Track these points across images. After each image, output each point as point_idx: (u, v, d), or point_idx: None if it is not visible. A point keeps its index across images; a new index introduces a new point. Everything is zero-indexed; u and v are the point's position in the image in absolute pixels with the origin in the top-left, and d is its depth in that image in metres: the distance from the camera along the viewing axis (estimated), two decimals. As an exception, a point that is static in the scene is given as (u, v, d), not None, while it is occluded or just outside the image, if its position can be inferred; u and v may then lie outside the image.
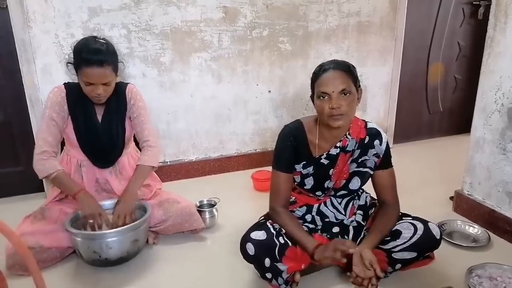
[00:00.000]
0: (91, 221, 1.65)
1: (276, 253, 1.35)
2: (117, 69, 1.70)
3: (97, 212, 1.65)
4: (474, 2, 3.07)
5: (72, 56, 1.64)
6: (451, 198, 2.14)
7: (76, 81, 1.69)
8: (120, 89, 1.78)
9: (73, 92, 1.71)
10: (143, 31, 2.30)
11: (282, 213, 1.49)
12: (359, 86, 1.44)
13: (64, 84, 1.74)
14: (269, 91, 2.70)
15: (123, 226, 1.60)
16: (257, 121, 2.74)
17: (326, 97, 1.37)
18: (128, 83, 1.85)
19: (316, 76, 1.42)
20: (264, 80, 2.66)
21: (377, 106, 3.08)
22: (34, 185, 2.31)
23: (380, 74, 2.99)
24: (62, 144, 1.89)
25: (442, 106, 3.32)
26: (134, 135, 1.91)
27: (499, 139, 1.82)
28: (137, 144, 1.98)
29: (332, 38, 2.75)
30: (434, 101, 3.29)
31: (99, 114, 1.76)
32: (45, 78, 2.18)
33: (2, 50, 2.14)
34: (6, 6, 2.05)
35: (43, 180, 2.21)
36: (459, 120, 3.38)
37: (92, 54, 1.57)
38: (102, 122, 1.76)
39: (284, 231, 1.45)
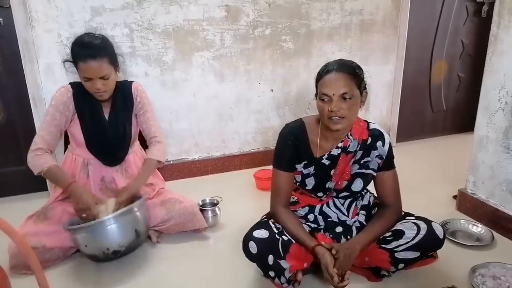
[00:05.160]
0: (84, 215, 1.62)
1: (280, 250, 1.34)
2: (116, 63, 1.71)
3: (91, 204, 1.61)
4: (477, 0, 3.05)
5: (70, 56, 1.66)
6: (455, 197, 2.13)
7: (78, 79, 1.69)
8: (125, 87, 1.81)
9: (80, 91, 1.73)
10: (146, 30, 2.30)
11: (283, 214, 1.48)
12: (364, 88, 1.41)
13: (70, 83, 1.76)
14: (272, 90, 2.70)
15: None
16: (260, 120, 2.73)
17: (326, 99, 1.35)
18: (132, 81, 1.88)
19: (320, 76, 1.40)
20: (266, 79, 2.66)
21: (380, 105, 3.07)
22: (37, 184, 2.32)
23: (383, 73, 2.98)
24: (67, 143, 1.89)
25: (445, 104, 3.31)
26: (139, 133, 1.92)
27: (502, 138, 1.81)
28: (141, 142, 1.99)
29: (334, 37, 2.74)
30: (437, 99, 3.27)
31: (106, 112, 1.78)
32: (48, 77, 2.19)
33: (5, 49, 2.14)
34: (9, 5, 2.05)
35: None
36: (462, 119, 3.36)
37: (85, 48, 1.60)
38: (109, 120, 1.78)
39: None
